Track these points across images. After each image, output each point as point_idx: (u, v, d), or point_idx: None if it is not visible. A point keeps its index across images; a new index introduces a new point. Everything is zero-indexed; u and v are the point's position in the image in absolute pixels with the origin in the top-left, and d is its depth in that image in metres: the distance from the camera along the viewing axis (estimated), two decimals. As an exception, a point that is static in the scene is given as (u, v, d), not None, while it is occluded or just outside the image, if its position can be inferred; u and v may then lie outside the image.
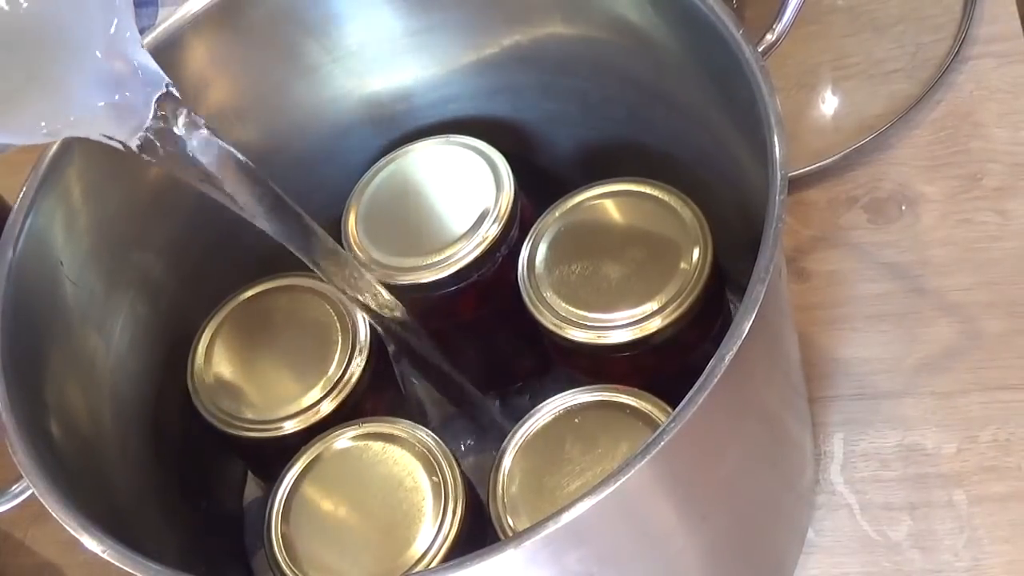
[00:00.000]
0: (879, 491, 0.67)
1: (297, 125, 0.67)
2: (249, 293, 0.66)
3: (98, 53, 0.43)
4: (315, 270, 0.55)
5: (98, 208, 0.59)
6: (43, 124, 0.43)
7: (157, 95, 0.45)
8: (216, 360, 0.64)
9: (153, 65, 0.45)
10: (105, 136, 0.45)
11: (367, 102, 0.69)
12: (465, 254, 0.63)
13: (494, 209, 0.64)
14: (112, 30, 0.43)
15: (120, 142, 0.45)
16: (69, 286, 0.58)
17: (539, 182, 0.68)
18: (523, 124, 0.71)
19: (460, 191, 0.65)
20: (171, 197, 0.61)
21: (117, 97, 0.44)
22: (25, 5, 0.41)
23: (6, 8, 0.40)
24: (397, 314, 0.59)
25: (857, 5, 0.86)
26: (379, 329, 0.60)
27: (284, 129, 0.67)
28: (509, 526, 0.55)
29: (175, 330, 0.65)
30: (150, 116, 0.45)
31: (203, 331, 0.65)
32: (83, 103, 0.43)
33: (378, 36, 0.66)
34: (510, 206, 0.64)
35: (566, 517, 0.41)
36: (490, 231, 0.63)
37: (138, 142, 0.45)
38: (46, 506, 0.47)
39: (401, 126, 0.70)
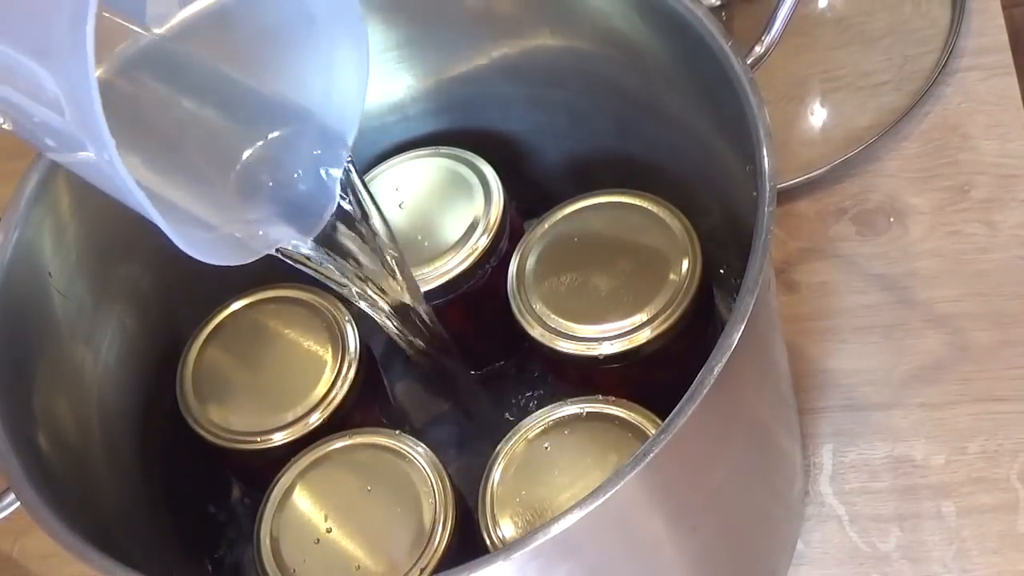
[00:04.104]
0: (868, 502, 0.67)
1: (286, 137, 0.67)
2: (237, 305, 0.66)
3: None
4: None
5: (87, 220, 0.59)
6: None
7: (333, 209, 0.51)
8: (204, 372, 0.64)
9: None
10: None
11: (356, 114, 0.69)
12: (454, 265, 0.63)
13: (483, 220, 0.64)
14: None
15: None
16: (58, 298, 0.58)
17: (528, 193, 0.68)
18: (512, 136, 0.71)
19: (449, 203, 0.65)
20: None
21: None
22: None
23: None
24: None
25: (845, 18, 0.86)
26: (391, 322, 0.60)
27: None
28: (499, 538, 0.55)
29: (163, 342, 0.65)
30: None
31: (192, 343, 0.65)
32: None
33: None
34: (499, 217, 0.64)
35: (555, 529, 0.41)
36: (479, 242, 0.63)
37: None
38: (33, 519, 0.47)
39: (390, 138, 0.70)
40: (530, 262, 0.63)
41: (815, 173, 0.78)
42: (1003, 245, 0.73)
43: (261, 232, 0.49)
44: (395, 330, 0.59)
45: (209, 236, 0.47)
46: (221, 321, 0.66)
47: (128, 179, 0.39)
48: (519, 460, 0.57)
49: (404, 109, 0.69)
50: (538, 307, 0.61)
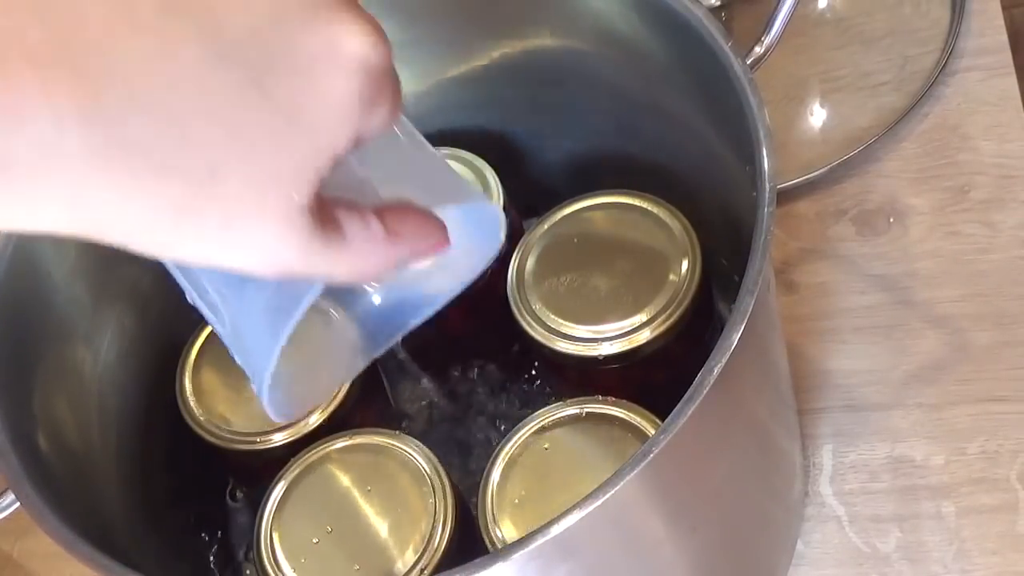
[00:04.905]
0: (868, 503, 0.67)
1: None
2: (238, 305, 0.66)
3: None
4: None
5: (86, 220, 0.59)
6: None
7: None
8: (204, 372, 0.64)
9: None
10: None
11: (356, 114, 0.68)
12: (454, 266, 0.63)
13: (483, 221, 0.64)
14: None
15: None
16: (58, 298, 0.58)
17: (527, 194, 0.68)
18: (511, 136, 0.71)
19: (449, 203, 0.65)
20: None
21: None
22: None
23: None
24: None
25: (845, 18, 0.86)
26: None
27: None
28: (498, 538, 0.55)
29: (163, 342, 0.65)
30: None
31: (191, 343, 0.65)
32: None
33: (366, 48, 0.65)
34: (499, 218, 0.64)
35: (555, 530, 0.41)
36: (479, 243, 0.63)
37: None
38: (33, 518, 0.47)
39: (390, 138, 0.70)
40: (530, 262, 0.63)
41: (815, 174, 0.78)
42: (1003, 245, 0.73)
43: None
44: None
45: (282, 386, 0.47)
46: (221, 321, 0.65)
47: (268, 398, 0.41)
48: (519, 460, 0.57)
49: (404, 109, 0.69)
50: (538, 307, 0.61)
